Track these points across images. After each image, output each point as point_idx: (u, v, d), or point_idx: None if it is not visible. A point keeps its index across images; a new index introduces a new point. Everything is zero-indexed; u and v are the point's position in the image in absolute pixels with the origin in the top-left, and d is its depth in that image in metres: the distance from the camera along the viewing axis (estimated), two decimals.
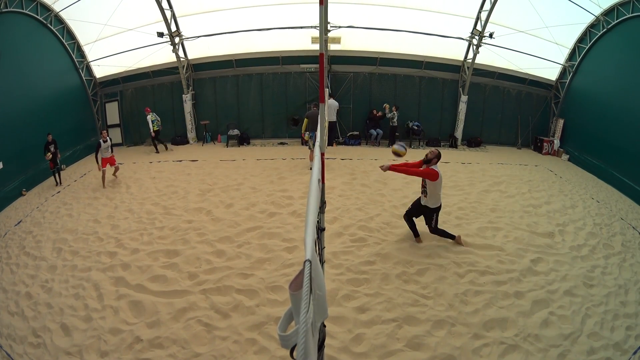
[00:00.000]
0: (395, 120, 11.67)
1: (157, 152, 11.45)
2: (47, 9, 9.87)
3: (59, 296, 4.82)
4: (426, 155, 5.30)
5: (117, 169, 9.15)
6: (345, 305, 4.43)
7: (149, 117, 11.28)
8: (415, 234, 5.73)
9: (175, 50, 11.38)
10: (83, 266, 5.45)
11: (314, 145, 8.94)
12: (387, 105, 11.70)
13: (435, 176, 5.14)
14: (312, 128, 8.86)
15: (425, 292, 4.67)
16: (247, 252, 5.56)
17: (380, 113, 11.86)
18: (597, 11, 9.96)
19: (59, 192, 8.67)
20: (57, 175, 9.11)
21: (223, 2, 10.73)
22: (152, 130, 11.30)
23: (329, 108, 11.18)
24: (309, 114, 9.23)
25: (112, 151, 8.93)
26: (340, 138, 12.28)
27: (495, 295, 4.61)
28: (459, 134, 12.33)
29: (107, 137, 8.89)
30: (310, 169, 10.09)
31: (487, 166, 10.07)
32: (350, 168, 9.39)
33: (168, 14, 10.70)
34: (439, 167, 5.34)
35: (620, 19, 9.44)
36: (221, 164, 10.06)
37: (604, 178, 9.51)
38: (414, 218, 5.69)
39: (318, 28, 10.70)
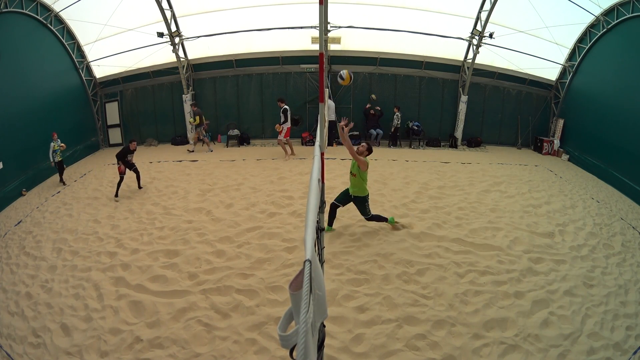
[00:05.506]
0: (399, 122, 11.68)
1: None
2: (47, 9, 9.86)
3: (59, 296, 4.82)
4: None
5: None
6: (345, 305, 4.43)
7: (57, 144, 8.64)
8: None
9: (175, 50, 11.38)
10: (83, 266, 5.45)
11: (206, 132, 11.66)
12: (374, 96, 11.74)
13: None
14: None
15: (425, 292, 4.67)
16: (247, 252, 5.55)
17: (372, 104, 11.78)
18: (597, 11, 9.95)
19: (58, 192, 8.66)
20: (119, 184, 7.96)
21: (223, 2, 10.72)
22: (56, 160, 8.76)
23: (329, 109, 11.19)
24: (200, 112, 11.34)
25: None
26: None
27: (495, 295, 4.61)
28: (459, 134, 12.32)
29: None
30: (194, 146, 11.63)
31: (487, 166, 10.06)
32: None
33: (168, 14, 10.69)
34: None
35: (620, 19, 9.43)
36: (221, 164, 10.06)
37: (604, 178, 9.51)
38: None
39: (318, 28, 10.71)
